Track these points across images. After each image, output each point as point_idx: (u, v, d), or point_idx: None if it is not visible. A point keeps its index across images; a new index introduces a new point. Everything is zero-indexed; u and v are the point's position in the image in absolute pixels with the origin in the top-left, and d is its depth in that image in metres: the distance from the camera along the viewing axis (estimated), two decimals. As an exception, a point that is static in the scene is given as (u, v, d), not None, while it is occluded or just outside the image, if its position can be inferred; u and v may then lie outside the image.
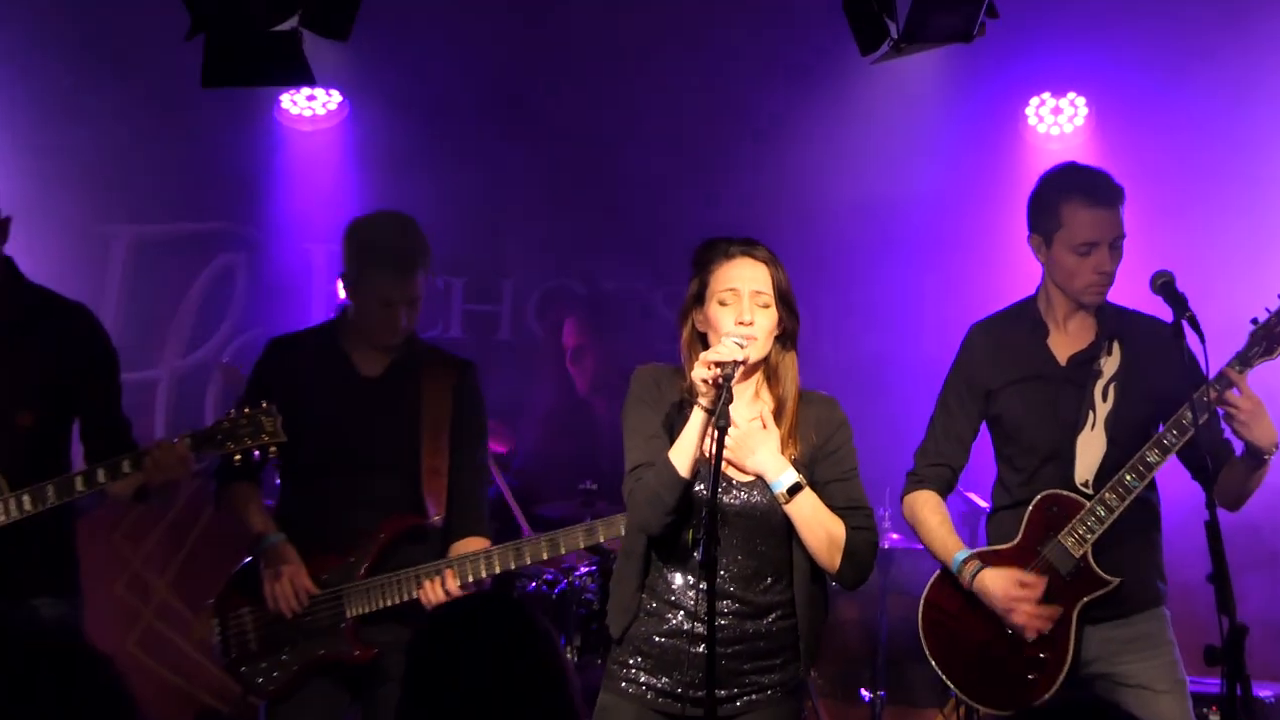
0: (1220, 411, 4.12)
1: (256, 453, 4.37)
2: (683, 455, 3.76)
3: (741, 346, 3.74)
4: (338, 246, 7.31)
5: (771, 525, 3.86)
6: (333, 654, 4.53)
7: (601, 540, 4.54)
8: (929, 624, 4.41)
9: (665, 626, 3.89)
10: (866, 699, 6.48)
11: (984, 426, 4.50)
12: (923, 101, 7.16)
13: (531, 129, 7.40)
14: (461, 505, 4.62)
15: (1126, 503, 4.21)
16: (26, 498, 4.33)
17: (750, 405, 3.92)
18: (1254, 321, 4.14)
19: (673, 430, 3.84)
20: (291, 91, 7.37)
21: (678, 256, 4.08)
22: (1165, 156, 6.79)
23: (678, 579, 3.90)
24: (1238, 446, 4.20)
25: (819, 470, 3.91)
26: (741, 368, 3.73)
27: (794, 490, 3.81)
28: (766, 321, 3.84)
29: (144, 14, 6.57)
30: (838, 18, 4.80)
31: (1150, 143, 6.86)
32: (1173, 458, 4.22)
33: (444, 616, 2.75)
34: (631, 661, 3.92)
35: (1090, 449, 4.32)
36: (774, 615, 3.90)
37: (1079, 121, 7.31)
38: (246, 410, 4.37)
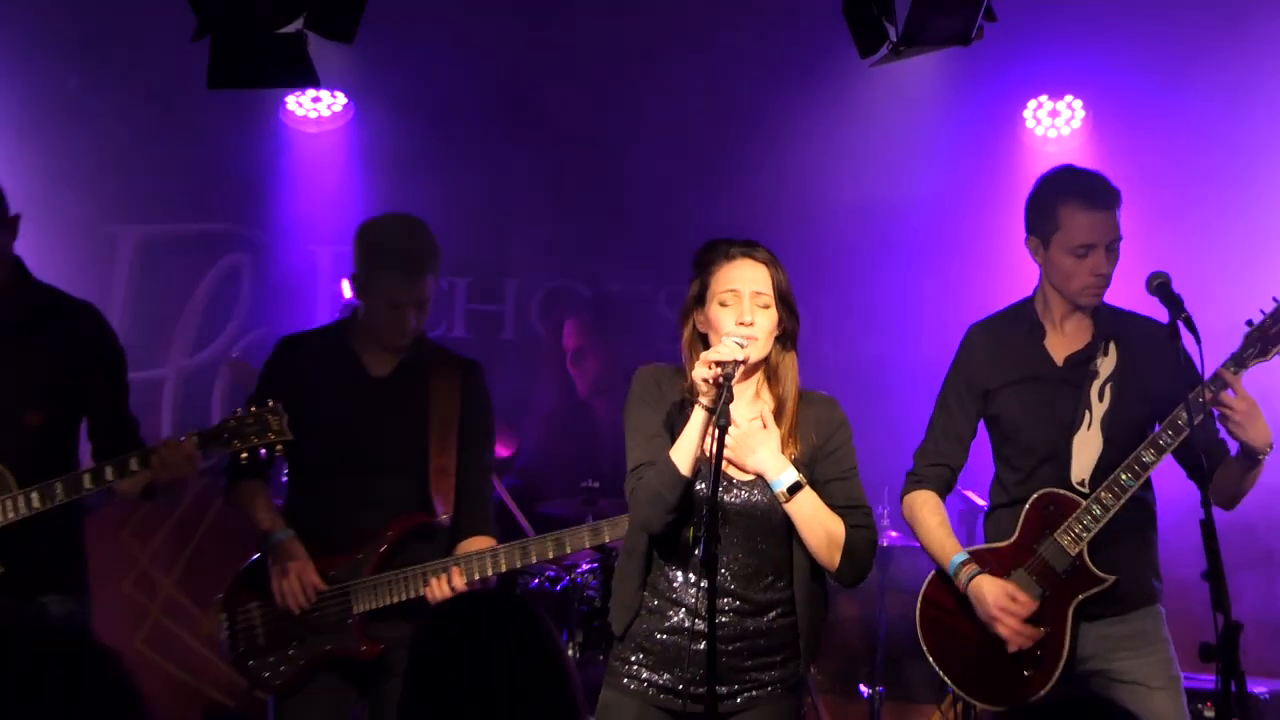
0: (1215, 412, 4.13)
1: (263, 451, 4.38)
2: (684, 454, 3.77)
3: (742, 346, 3.75)
4: (343, 247, 7.36)
5: (772, 524, 3.87)
6: (340, 649, 4.55)
7: (607, 540, 4.55)
8: (927, 621, 4.41)
9: (667, 624, 3.90)
10: (865, 695, 6.48)
11: (982, 426, 4.51)
12: (921, 104, 7.16)
13: (535, 130, 7.40)
14: (469, 505, 4.63)
15: (1122, 502, 4.21)
16: (35, 495, 4.34)
17: (751, 405, 3.93)
18: (1249, 323, 4.14)
19: (674, 430, 3.85)
20: (297, 93, 7.37)
21: (680, 257, 4.09)
22: (1162, 159, 6.79)
23: (679, 577, 3.91)
24: (1233, 446, 4.20)
25: (819, 469, 3.91)
26: (742, 367, 3.74)
27: (794, 489, 3.82)
28: (767, 322, 3.85)
29: (149, 16, 6.57)
30: (838, 21, 4.80)
31: (1147, 145, 6.86)
32: (1168, 457, 4.23)
33: (446, 612, 2.75)
34: (633, 658, 3.93)
35: (1087, 449, 4.32)
36: (774, 613, 3.90)
37: (1076, 124, 7.30)
38: (253, 409, 4.38)
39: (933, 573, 4.45)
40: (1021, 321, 4.46)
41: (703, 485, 3.75)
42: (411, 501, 4.58)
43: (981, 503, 5.28)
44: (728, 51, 7.20)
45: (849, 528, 3.87)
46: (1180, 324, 3.96)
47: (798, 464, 3.88)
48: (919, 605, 4.44)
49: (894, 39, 4.68)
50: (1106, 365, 4.37)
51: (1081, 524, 4.24)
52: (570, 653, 5.91)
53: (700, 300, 3.90)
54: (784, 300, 3.89)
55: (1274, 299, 4.15)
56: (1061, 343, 4.41)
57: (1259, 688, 5.71)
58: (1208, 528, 3.73)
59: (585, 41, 7.32)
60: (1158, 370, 4.16)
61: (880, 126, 7.13)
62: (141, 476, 4.37)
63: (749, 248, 3.91)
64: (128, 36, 6.98)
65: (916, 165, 7.15)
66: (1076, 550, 4.24)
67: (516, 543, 4.60)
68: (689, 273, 3.96)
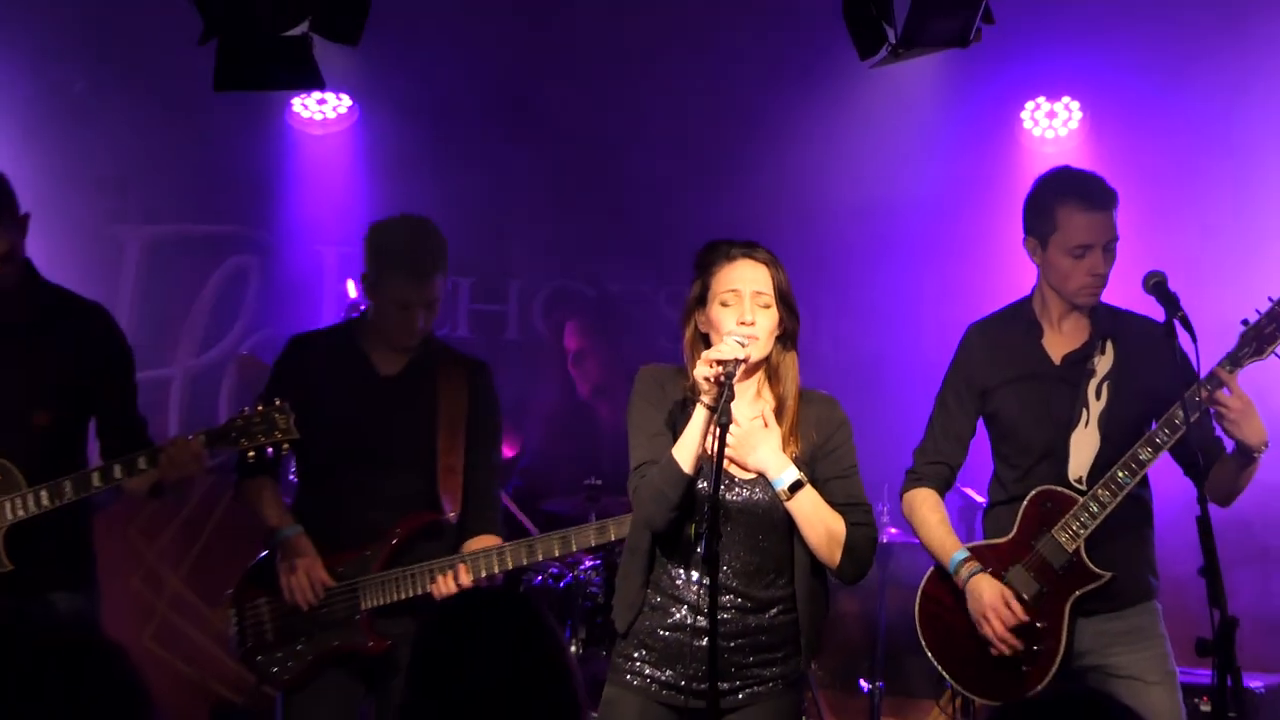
0: (1211, 410, 4.13)
1: (270, 450, 4.38)
2: (686, 452, 3.77)
3: (743, 345, 3.75)
4: (348, 248, 7.38)
5: (773, 521, 3.87)
6: (347, 645, 4.55)
7: (612, 538, 4.55)
8: (925, 616, 4.42)
9: (669, 621, 3.90)
10: (865, 690, 6.48)
11: (981, 424, 4.51)
12: (920, 105, 7.15)
13: (537, 131, 7.40)
14: (476, 503, 4.64)
15: (1119, 499, 4.21)
16: (44, 494, 4.35)
17: (752, 404, 3.93)
18: (1244, 323, 4.15)
19: (676, 429, 3.86)
20: (302, 96, 7.37)
21: (681, 257, 4.09)
22: (1158, 159, 6.79)
23: (681, 574, 3.91)
24: (1229, 444, 4.20)
25: (819, 468, 3.92)
26: (743, 366, 3.74)
27: (795, 487, 3.83)
28: (767, 321, 3.86)
29: (156, 19, 6.57)
30: (837, 23, 4.80)
31: (1143, 146, 6.86)
32: (1165, 455, 4.23)
33: (449, 609, 2.75)
34: (636, 655, 3.93)
35: (1084, 446, 4.32)
36: (775, 610, 3.91)
37: (1073, 125, 7.30)
38: (260, 408, 4.38)
39: (932, 569, 4.45)
40: (1019, 321, 4.46)
41: (705, 483, 3.75)
42: (419, 500, 4.59)
43: (980, 499, 5.27)
44: (728, 53, 7.20)
45: (849, 525, 3.88)
46: (1176, 322, 3.97)
47: (798, 462, 3.88)
48: (918, 601, 4.44)
49: (893, 41, 4.68)
50: (1104, 364, 4.37)
51: (1079, 521, 4.24)
52: (573, 649, 5.91)
53: (701, 301, 3.91)
54: (784, 300, 3.90)
55: (1269, 299, 4.15)
56: (1059, 342, 4.41)
57: (1255, 682, 5.71)
58: (1204, 524, 3.73)
59: (586, 42, 7.32)
60: (1154, 369, 4.17)
61: (879, 127, 7.13)
62: (150, 475, 4.38)
63: (749, 248, 3.91)
64: (134, 40, 6.98)
65: (915, 166, 7.15)
66: (1074, 547, 4.24)
67: (523, 540, 4.61)
68: (690, 272, 3.97)
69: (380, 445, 4.58)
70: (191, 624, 7.22)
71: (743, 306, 3.83)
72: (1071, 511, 4.25)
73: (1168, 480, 4.40)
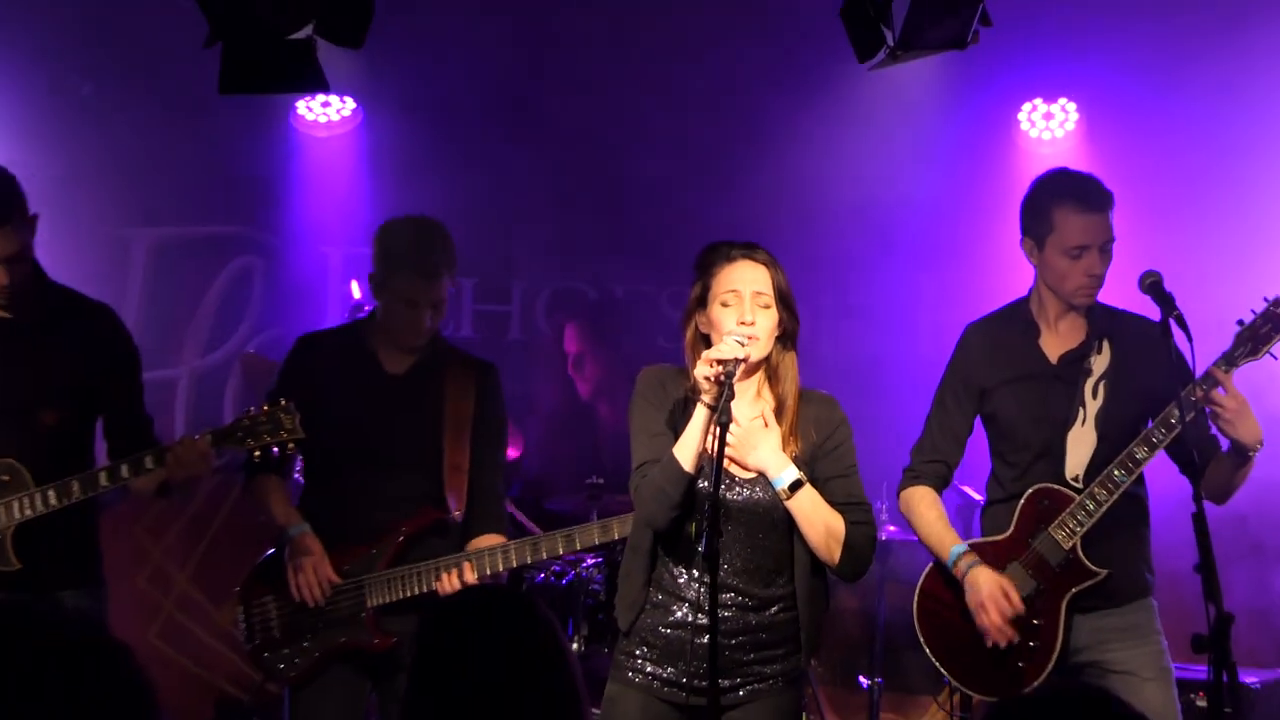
0: (1207, 409, 4.13)
1: (275, 450, 4.39)
2: (686, 451, 3.78)
3: (743, 345, 3.75)
4: (352, 249, 7.38)
5: (773, 520, 3.87)
6: (353, 642, 4.55)
7: (616, 536, 4.55)
8: (924, 613, 4.42)
9: (670, 618, 3.91)
10: (865, 686, 6.48)
11: (979, 422, 4.51)
12: (918, 107, 7.15)
13: (539, 133, 7.40)
14: (481, 502, 4.64)
15: (1115, 497, 4.21)
16: (52, 493, 4.35)
17: (752, 404, 3.93)
18: (1240, 323, 4.15)
19: (677, 428, 3.86)
20: (307, 98, 7.38)
21: (683, 257, 4.10)
22: (1153, 160, 6.79)
23: (683, 573, 3.91)
24: (1224, 442, 4.20)
25: (819, 467, 3.92)
26: (743, 365, 3.75)
27: (795, 487, 3.83)
28: (767, 322, 3.86)
29: (162, 23, 6.57)
30: (836, 26, 4.79)
31: (1139, 147, 6.86)
32: (1161, 453, 4.23)
33: (448, 605, 2.75)
34: (638, 652, 3.94)
35: (1081, 445, 4.33)
36: (776, 607, 3.91)
37: (1070, 126, 7.30)
38: (266, 408, 4.38)
39: (930, 566, 4.46)
40: (1017, 321, 4.46)
41: (705, 482, 3.75)
42: (425, 498, 4.59)
43: (978, 497, 5.27)
44: (728, 55, 7.20)
45: (849, 524, 3.88)
46: (1172, 322, 3.97)
47: (798, 462, 3.88)
48: (916, 598, 4.44)
49: (891, 43, 4.67)
50: (1100, 363, 4.37)
51: (1075, 519, 4.24)
52: (575, 645, 5.91)
53: (702, 302, 3.91)
54: (784, 301, 3.90)
55: (1265, 299, 4.16)
56: (1056, 342, 4.41)
57: (1250, 678, 5.71)
58: (1199, 521, 3.74)
59: (587, 45, 7.32)
60: (1150, 368, 4.17)
61: (878, 129, 7.13)
62: (157, 474, 4.38)
63: (749, 249, 3.92)
64: (141, 44, 6.99)
65: (914, 167, 7.15)
66: (1070, 544, 4.24)
67: (527, 539, 4.62)
68: (691, 273, 3.97)
69: (386, 445, 4.58)
70: (197, 622, 7.23)
71: (743, 307, 3.84)
72: (1068, 509, 4.25)
73: (1164, 478, 4.40)
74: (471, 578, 4.49)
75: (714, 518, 3.56)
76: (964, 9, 4.55)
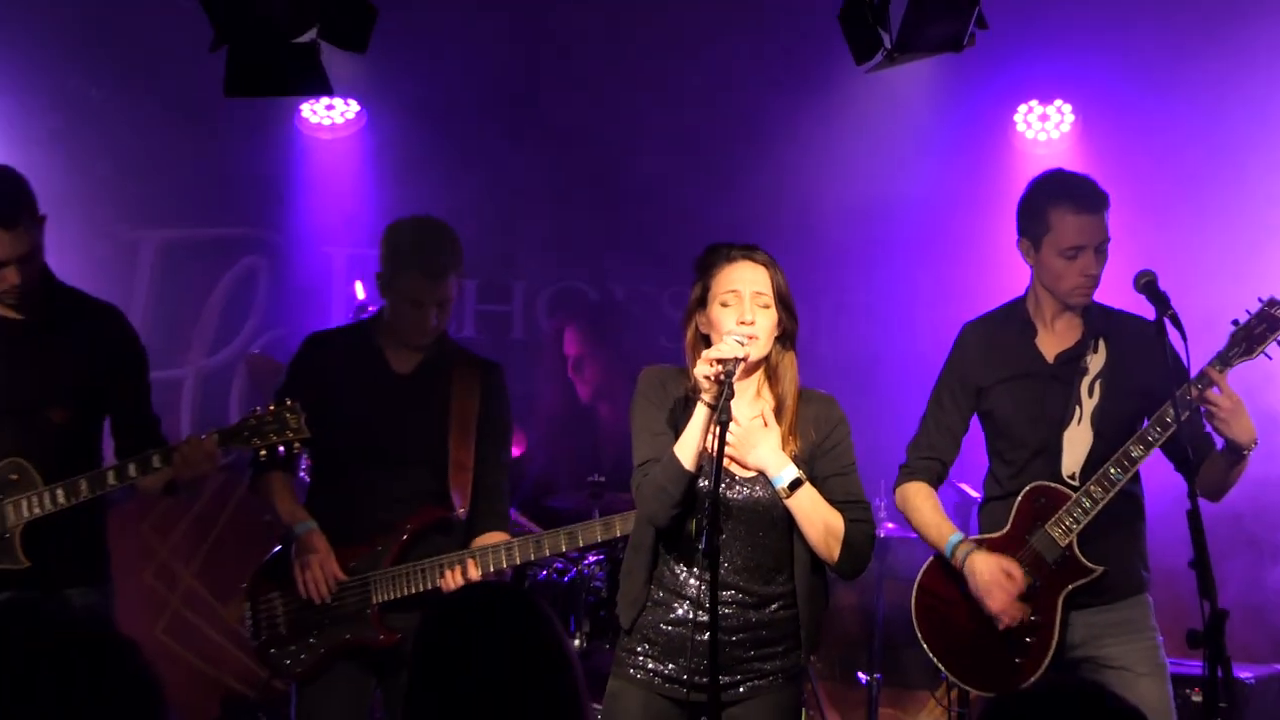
0: (1202, 409, 4.13)
1: (281, 449, 4.39)
2: (687, 449, 3.78)
3: (742, 344, 3.76)
4: (357, 250, 7.38)
5: (773, 519, 3.88)
6: (358, 638, 4.56)
7: (617, 533, 4.55)
8: (922, 609, 4.42)
9: (671, 615, 3.91)
10: (863, 681, 6.48)
11: (976, 420, 4.52)
12: (916, 108, 7.15)
13: (540, 134, 7.40)
14: (485, 500, 4.64)
15: (1111, 495, 4.22)
16: (60, 491, 4.35)
17: (752, 404, 3.94)
18: (1235, 323, 4.15)
19: (678, 427, 3.86)
20: (311, 101, 7.37)
21: (685, 257, 4.10)
22: (1148, 160, 6.78)
23: (683, 571, 3.92)
24: (1218, 441, 4.20)
25: (818, 466, 3.92)
26: (743, 364, 3.75)
27: (794, 485, 3.83)
28: (767, 321, 3.86)
29: (169, 27, 6.58)
30: (834, 29, 4.80)
31: (1134, 148, 6.86)
32: (1156, 450, 4.23)
33: (449, 603, 2.75)
34: (639, 649, 3.94)
35: (1077, 443, 4.33)
36: (776, 605, 3.91)
37: (1065, 128, 7.30)
38: (272, 407, 4.39)
39: (928, 562, 4.46)
40: (1013, 320, 4.46)
41: (706, 481, 3.76)
42: (430, 496, 4.59)
43: (975, 495, 5.28)
44: (728, 58, 7.19)
45: (848, 522, 3.88)
46: (1166, 321, 3.97)
47: (798, 461, 3.88)
48: (914, 594, 4.45)
49: (888, 46, 4.67)
50: (1096, 362, 4.37)
51: (1072, 516, 4.25)
52: (577, 642, 5.91)
53: (702, 302, 3.92)
54: (783, 301, 3.90)
55: (1259, 299, 4.16)
56: (1052, 341, 4.41)
57: (1245, 673, 5.71)
58: (1194, 518, 3.74)
59: (589, 48, 7.32)
60: (1146, 367, 4.17)
61: (876, 130, 7.12)
62: (164, 473, 4.38)
63: (749, 251, 3.92)
64: (148, 47, 6.98)
65: (911, 168, 7.15)
66: (1067, 541, 4.25)
67: (530, 536, 4.63)
68: (692, 272, 3.98)
69: (393, 444, 4.58)
70: (203, 619, 7.23)
71: (742, 307, 3.84)
72: (1065, 507, 4.26)
73: (1159, 475, 4.40)
74: (475, 574, 4.49)
75: (714, 516, 3.57)
76: (960, 11, 4.55)
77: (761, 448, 3.87)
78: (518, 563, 4.57)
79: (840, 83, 6.80)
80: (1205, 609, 3.66)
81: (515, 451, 6.54)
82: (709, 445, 3.71)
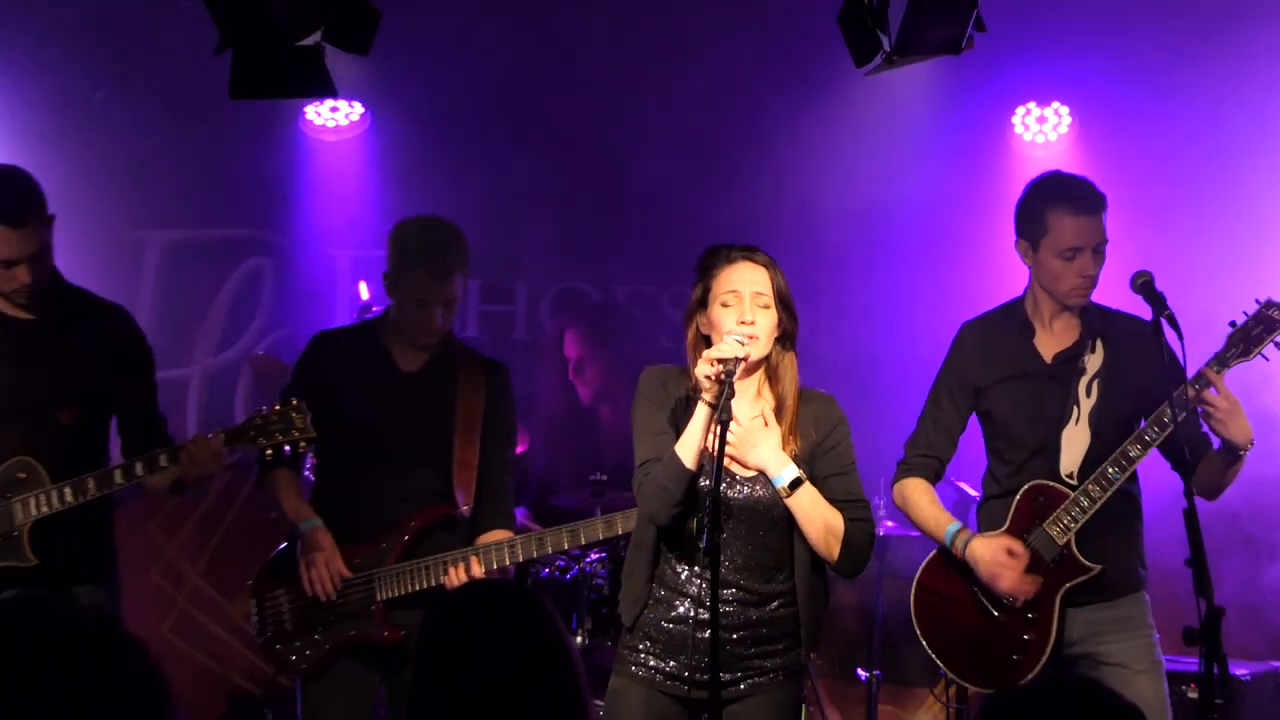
0: (1199, 409, 4.13)
1: (287, 448, 4.39)
2: (688, 448, 3.78)
3: (743, 344, 3.76)
4: (361, 251, 7.38)
5: (773, 518, 3.88)
6: (363, 635, 4.56)
7: (619, 531, 4.55)
8: (921, 606, 4.43)
9: (673, 613, 3.91)
10: (863, 678, 6.48)
11: (974, 419, 4.52)
12: (914, 111, 7.15)
13: (542, 135, 7.40)
14: (490, 498, 4.64)
15: (1109, 494, 4.22)
16: (68, 490, 4.35)
17: (752, 404, 3.94)
18: (1232, 324, 4.16)
19: (679, 427, 3.87)
20: (315, 103, 7.38)
21: (685, 257, 4.10)
22: (1145, 162, 6.78)
23: (684, 569, 3.92)
24: (1215, 441, 4.20)
25: (818, 465, 3.92)
26: (743, 364, 3.75)
27: (795, 485, 3.83)
28: (767, 322, 3.86)
29: (174, 30, 6.58)
30: (834, 32, 4.80)
31: (1131, 149, 6.86)
32: (1154, 450, 4.23)
33: (452, 600, 2.75)
34: (641, 646, 3.94)
35: (1075, 443, 4.33)
36: (776, 603, 3.91)
37: (1063, 129, 7.30)
38: (278, 407, 4.39)
39: (927, 560, 4.47)
40: (1012, 321, 4.46)
41: (707, 480, 3.76)
42: (435, 495, 4.59)
43: (974, 494, 5.28)
44: (729, 60, 7.20)
45: (848, 521, 3.88)
46: (1163, 321, 3.97)
47: (798, 460, 3.88)
48: (913, 591, 4.45)
49: (888, 49, 4.67)
50: (1094, 362, 4.37)
51: (1070, 515, 4.25)
52: (579, 639, 5.91)
53: (703, 303, 3.92)
54: (783, 302, 3.91)
55: (1256, 301, 4.16)
56: (1050, 341, 4.41)
57: (1240, 670, 5.71)
58: (1191, 517, 3.74)
59: (592, 52, 7.32)
60: (1143, 367, 4.17)
61: (875, 132, 7.12)
62: (170, 472, 4.39)
63: (749, 252, 3.93)
64: (153, 50, 6.99)
65: (910, 170, 7.15)
66: (1064, 540, 4.25)
67: (533, 534, 4.64)
68: (693, 273, 3.98)
69: (399, 443, 4.58)
70: (209, 616, 7.23)
71: (743, 307, 3.84)
72: (1063, 506, 4.26)
73: (1156, 475, 4.40)
74: (479, 571, 4.49)
75: (715, 514, 3.57)
76: (959, 15, 4.55)
77: (762, 447, 3.87)
78: (520, 560, 4.57)
79: (840, 85, 6.80)
80: (1202, 607, 3.66)
81: (518, 449, 6.54)
82: (710, 444, 3.71)
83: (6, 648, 1.98)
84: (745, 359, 3.76)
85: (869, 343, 7.15)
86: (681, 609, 3.90)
